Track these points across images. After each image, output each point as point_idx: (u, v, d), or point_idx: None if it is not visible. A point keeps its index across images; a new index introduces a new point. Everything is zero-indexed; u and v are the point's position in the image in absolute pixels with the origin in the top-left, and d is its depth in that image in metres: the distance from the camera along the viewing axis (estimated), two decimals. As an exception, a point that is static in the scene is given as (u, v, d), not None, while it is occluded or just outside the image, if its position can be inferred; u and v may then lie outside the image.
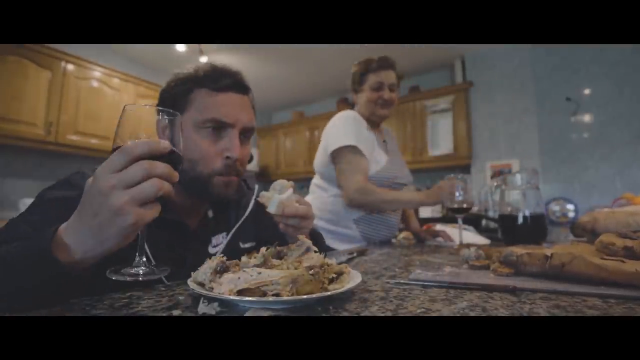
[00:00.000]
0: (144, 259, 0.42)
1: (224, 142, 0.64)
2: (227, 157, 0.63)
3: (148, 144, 0.39)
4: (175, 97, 0.65)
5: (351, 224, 1.27)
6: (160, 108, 0.44)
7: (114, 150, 0.40)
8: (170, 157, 0.41)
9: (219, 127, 0.63)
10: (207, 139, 0.63)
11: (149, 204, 0.38)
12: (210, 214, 0.73)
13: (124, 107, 0.42)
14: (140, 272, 0.40)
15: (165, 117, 0.43)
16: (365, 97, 1.31)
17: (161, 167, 0.38)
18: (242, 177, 0.71)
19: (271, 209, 0.59)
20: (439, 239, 1.27)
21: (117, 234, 0.37)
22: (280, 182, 0.62)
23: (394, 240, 1.22)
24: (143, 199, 0.37)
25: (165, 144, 0.40)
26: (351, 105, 1.44)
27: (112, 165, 0.37)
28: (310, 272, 0.41)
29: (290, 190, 0.61)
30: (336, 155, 1.22)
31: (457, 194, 1.00)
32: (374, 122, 1.34)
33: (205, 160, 0.62)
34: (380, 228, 1.29)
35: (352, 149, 1.19)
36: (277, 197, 0.59)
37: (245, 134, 0.68)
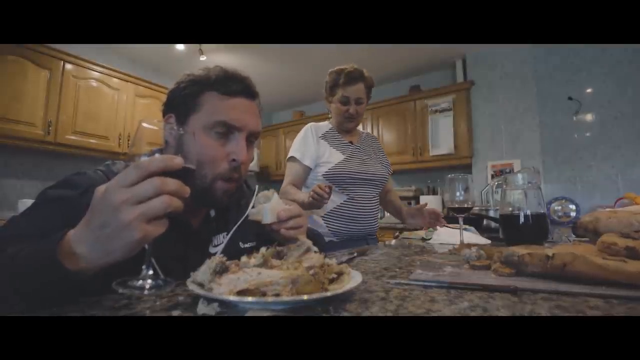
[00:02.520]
0: (151, 272, 0.42)
1: (231, 145, 0.65)
2: (233, 160, 0.64)
3: (163, 160, 0.39)
4: (185, 98, 0.66)
5: (319, 220, 1.37)
6: (174, 124, 0.45)
7: (127, 164, 0.40)
8: (183, 173, 0.41)
9: (226, 131, 0.64)
10: (215, 141, 0.64)
11: (157, 220, 0.38)
12: (212, 213, 0.73)
13: (140, 123, 0.42)
14: (147, 285, 0.40)
15: (179, 131, 0.44)
16: (335, 108, 1.45)
17: (172, 184, 0.39)
18: (242, 181, 0.71)
19: (266, 219, 0.59)
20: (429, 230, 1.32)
21: (123, 247, 0.37)
22: (263, 194, 0.63)
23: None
24: (152, 215, 0.37)
25: (178, 161, 0.40)
26: None
27: (126, 180, 0.38)
28: (311, 272, 0.41)
29: (276, 196, 0.62)
30: (286, 164, 1.47)
31: (457, 193, 1.00)
32: (343, 130, 1.49)
33: (211, 163, 0.63)
34: (348, 224, 1.37)
35: (292, 159, 1.42)
36: (267, 207, 0.60)
37: (251, 138, 0.69)
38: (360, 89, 1.41)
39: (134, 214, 0.36)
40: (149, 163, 0.38)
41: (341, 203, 1.37)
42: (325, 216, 1.37)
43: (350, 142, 1.48)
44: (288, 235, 0.60)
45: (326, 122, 1.52)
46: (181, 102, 0.66)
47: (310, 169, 1.40)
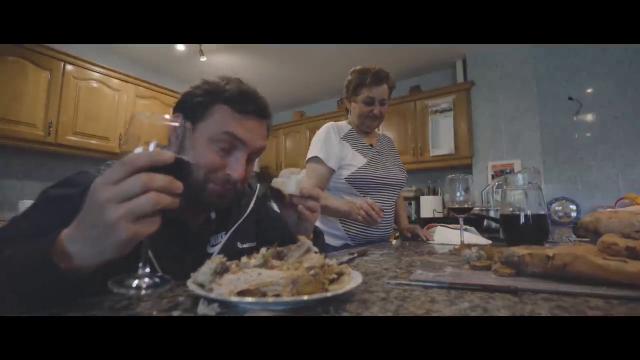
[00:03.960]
0: (147, 270, 0.40)
1: (231, 160, 0.64)
2: (228, 175, 0.63)
3: (150, 155, 0.37)
4: (196, 105, 0.65)
5: (338, 223, 1.35)
6: (168, 117, 0.43)
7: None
8: (176, 168, 0.39)
9: (230, 146, 0.64)
10: (215, 154, 0.63)
11: (147, 218, 0.36)
12: (213, 215, 0.73)
13: (132, 115, 0.40)
14: (143, 285, 0.38)
15: (176, 124, 0.42)
16: (357, 108, 1.40)
17: (160, 180, 0.36)
18: (239, 192, 0.70)
19: (290, 188, 0.60)
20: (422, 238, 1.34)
21: (113, 246, 0.36)
22: (288, 170, 0.64)
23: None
24: (138, 213, 0.35)
25: (168, 155, 0.38)
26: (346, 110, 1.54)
27: (111, 177, 0.36)
28: (311, 272, 0.41)
29: (304, 172, 0.63)
30: (306, 165, 1.39)
31: (458, 193, 0.99)
32: (363, 130, 1.45)
33: (207, 169, 0.62)
34: (368, 228, 1.34)
35: (315, 159, 1.34)
36: (294, 178, 0.61)
37: (253, 156, 0.68)
38: (385, 90, 1.38)
39: (118, 212, 0.34)
40: (135, 158, 0.36)
41: None
42: (344, 220, 1.33)
43: (371, 145, 1.45)
44: (303, 213, 0.61)
45: (345, 122, 1.47)
46: (191, 107, 0.65)
47: (334, 171, 1.34)
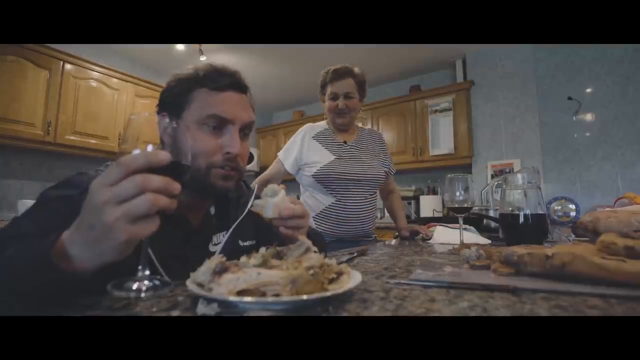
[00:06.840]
0: (147, 272, 0.40)
1: (225, 138, 0.65)
2: (227, 153, 0.64)
3: (145, 156, 0.37)
4: (175, 96, 0.66)
5: (311, 220, 1.39)
6: (167, 119, 0.44)
7: None
8: (173, 168, 0.39)
9: (219, 124, 0.65)
10: (208, 135, 0.64)
11: (145, 219, 0.36)
12: (212, 211, 0.73)
13: (129, 117, 0.41)
14: (143, 287, 0.38)
15: (172, 124, 0.42)
16: (326, 106, 1.48)
17: (157, 181, 0.36)
18: (242, 173, 0.71)
19: (268, 214, 0.59)
20: (422, 235, 1.33)
21: (112, 248, 0.36)
22: (271, 187, 0.62)
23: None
24: (135, 215, 0.35)
25: (164, 155, 0.37)
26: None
27: (108, 179, 0.36)
28: (310, 272, 0.41)
29: (283, 192, 0.61)
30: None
31: (457, 193, 0.99)
32: (338, 127, 1.50)
33: (205, 154, 0.63)
34: (339, 225, 1.38)
35: (277, 158, 1.49)
36: (271, 201, 0.59)
37: (245, 130, 0.69)
38: (349, 84, 1.42)
39: (115, 214, 0.34)
40: (130, 160, 0.36)
41: (329, 205, 1.38)
42: (316, 217, 1.40)
43: (345, 142, 1.47)
44: (286, 234, 0.60)
45: (324, 122, 1.54)
46: (172, 100, 0.66)
47: (291, 172, 1.46)
